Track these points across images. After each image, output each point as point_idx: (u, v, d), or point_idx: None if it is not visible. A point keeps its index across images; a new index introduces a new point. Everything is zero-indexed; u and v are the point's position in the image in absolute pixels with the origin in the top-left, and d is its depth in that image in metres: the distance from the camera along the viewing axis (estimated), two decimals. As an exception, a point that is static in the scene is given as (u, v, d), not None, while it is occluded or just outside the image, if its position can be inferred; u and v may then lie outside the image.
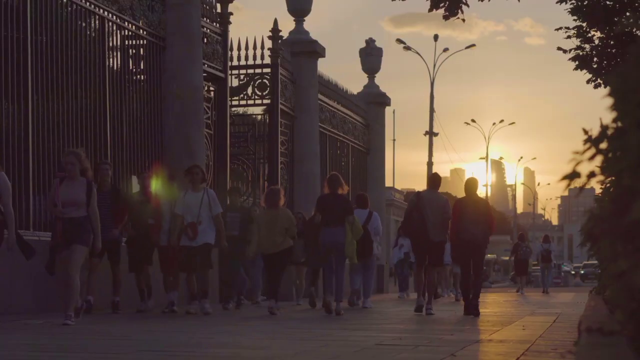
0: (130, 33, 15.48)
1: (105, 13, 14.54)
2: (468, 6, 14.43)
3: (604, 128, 3.09)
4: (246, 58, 20.49)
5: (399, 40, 42.41)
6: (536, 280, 47.33)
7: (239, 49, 20.34)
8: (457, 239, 12.94)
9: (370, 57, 28.83)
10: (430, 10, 14.58)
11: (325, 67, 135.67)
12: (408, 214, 13.36)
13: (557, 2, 15.90)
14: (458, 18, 14.44)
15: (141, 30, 15.69)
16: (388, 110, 30.72)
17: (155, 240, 12.86)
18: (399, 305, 17.06)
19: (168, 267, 12.93)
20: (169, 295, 12.94)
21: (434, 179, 13.82)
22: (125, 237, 13.10)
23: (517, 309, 14.95)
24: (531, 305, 16.82)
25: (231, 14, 18.50)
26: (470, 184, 13.44)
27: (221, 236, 12.71)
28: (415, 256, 14.18)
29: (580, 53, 16.55)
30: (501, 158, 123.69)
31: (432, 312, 12.92)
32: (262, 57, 20.62)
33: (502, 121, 65.32)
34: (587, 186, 3.18)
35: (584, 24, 16.32)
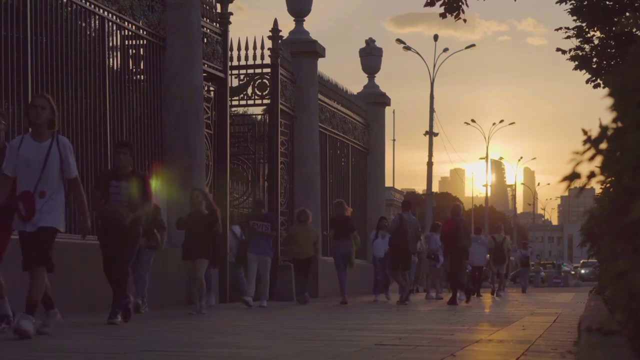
0: (130, 33, 15.48)
1: (105, 13, 14.54)
2: (467, 6, 14.42)
3: (604, 128, 3.09)
4: (246, 58, 20.49)
5: (399, 40, 42.40)
6: (535, 280, 47.45)
7: (239, 49, 20.35)
8: (455, 248, 17.44)
9: (370, 57, 28.83)
10: (425, 5, 14.54)
11: (325, 67, 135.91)
12: (396, 231, 17.25)
13: (557, 2, 15.90)
14: (460, 18, 14.41)
15: (141, 30, 15.69)
16: (388, 110, 30.77)
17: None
18: (399, 306, 17.07)
19: None
20: None
21: (407, 202, 18.58)
22: None
23: (517, 309, 14.96)
24: (531, 305, 16.83)
25: (231, 14, 18.50)
26: (458, 209, 18.31)
27: (84, 215, 8.25)
28: (392, 262, 17.65)
29: (580, 53, 16.55)
30: (501, 158, 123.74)
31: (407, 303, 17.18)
32: (262, 57, 20.63)
33: (502, 121, 65.34)
34: (587, 186, 3.19)
35: (584, 24, 16.32)
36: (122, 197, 10.02)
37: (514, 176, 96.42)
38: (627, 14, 15.27)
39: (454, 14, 14.42)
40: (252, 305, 15.14)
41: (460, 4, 14.39)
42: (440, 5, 14.44)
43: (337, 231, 17.54)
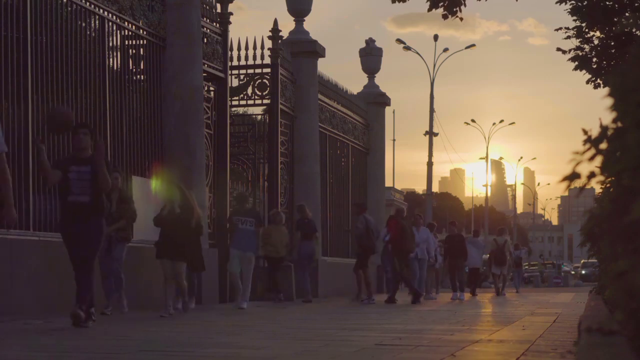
0: (130, 33, 15.48)
1: (105, 13, 14.54)
2: (465, 6, 14.42)
3: (604, 128, 3.09)
4: (246, 58, 20.50)
5: (399, 40, 42.41)
6: (535, 280, 47.47)
7: (239, 49, 20.35)
8: (402, 248, 18.37)
9: (370, 57, 28.82)
10: (429, 9, 14.58)
11: (325, 67, 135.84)
12: (365, 233, 18.46)
13: (556, 3, 15.90)
14: (457, 17, 14.43)
15: (141, 30, 15.69)
16: (388, 110, 30.77)
17: None
18: (400, 306, 17.06)
19: None
20: None
21: (363, 204, 20.37)
22: None
23: (517, 309, 14.96)
24: (531, 305, 16.83)
25: (231, 14, 18.50)
26: (402, 211, 19.72)
27: (7, 202, 7.83)
28: (364, 261, 18.70)
29: (580, 53, 16.54)
30: (501, 158, 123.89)
31: (370, 302, 18.09)
32: (262, 57, 20.64)
33: (502, 121, 65.41)
34: (587, 186, 3.18)
35: (584, 25, 16.31)
36: (84, 183, 9.09)
37: (514, 176, 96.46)
38: (627, 14, 15.27)
39: (452, 13, 14.43)
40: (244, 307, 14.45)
41: (459, 4, 14.40)
42: (440, 6, 14.45)
43: (302, 233, 18.68)
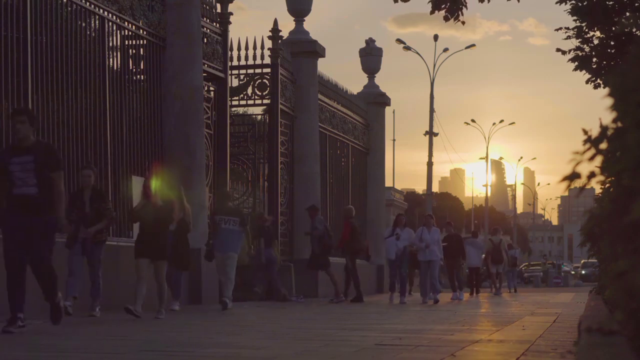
0: (130, 33, 15.49)
1: (105, 13, 14.54)
2: (467, 8, 14.42)
3: (604, 128, 3.09)
4: (246, 58, 20.51)
5: (399, 40, 42.39)
6: (536, 280, 47.49)
7: (239, 49, 20.37)
8: (354, 247, 19.08)
9: (370, 57, 28.82)
10: (432, 12, 14.59)
11: (325, 67, 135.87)
12: (325, 232, 19.15)
13: (556, 3, 15.90)
14: (458, 20, 14.42)
15: (141, 30, 15.69)
16: (388, 110, 30.77)
17: None
18: (399, 305, 17.06)
19: None
20: None
21: (316, 207, 20.15)
22: None
23: (517, 309, 14.96)
24: (531, 305, 16.83)
25: (231, 14, 18.51)
26: (350, 212, 19.86)
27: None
28: (327, 260, 19.18)
29: (580, 54, 16.53)
30: (501, 158, 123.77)
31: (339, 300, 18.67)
32: (262, 57, 20.65)
33: (502, 121, 65.34)
34: (587, 186, 3.18)
35: (584, 25, 16.30)
36: (28, 174, 8.31)
37: (514, 176, 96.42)
38: (627, 14, 15.27)
39: (454, 15, 14.42)
40: (230, 307, 13.70)
41: (460, 6, 14.39)
42: (442, 9, 14.44)
43: (266, 238, 18.98)
